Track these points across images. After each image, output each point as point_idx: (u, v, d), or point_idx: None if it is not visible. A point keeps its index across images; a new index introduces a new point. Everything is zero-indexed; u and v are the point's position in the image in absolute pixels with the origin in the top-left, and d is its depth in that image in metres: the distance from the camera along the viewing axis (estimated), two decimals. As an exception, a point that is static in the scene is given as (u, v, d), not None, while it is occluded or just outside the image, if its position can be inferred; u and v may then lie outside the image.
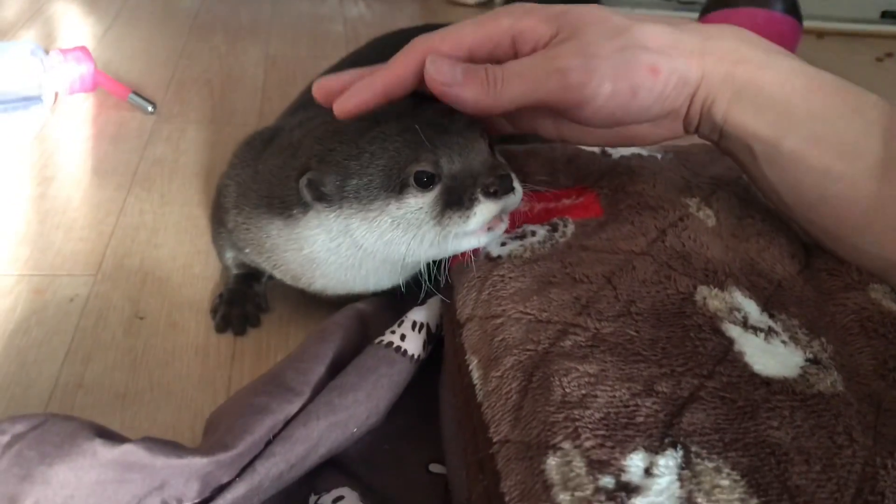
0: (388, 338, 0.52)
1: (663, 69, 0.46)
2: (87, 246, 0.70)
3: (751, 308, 0.46)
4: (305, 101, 0.72)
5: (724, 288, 0.46)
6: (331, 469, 0.48)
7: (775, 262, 0.51)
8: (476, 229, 0.49)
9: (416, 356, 0.52)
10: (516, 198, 0.49)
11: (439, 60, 0.48)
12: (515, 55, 0.49)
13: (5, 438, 0.39)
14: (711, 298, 0.45)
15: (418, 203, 0.48)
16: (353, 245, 0.52)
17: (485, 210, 0.48)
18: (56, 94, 0.93)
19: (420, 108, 0.51)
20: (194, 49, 1.17)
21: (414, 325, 0.54)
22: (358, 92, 0.50)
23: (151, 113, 0.94)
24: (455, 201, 0.48)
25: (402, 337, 0.53)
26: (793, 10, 1.19)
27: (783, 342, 0.44)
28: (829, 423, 0.38)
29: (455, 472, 0.46)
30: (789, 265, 0.51)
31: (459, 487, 0.44)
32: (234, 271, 0.65)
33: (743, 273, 0.49)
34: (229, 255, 0.65)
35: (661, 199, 0.55)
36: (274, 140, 0.61)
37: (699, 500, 0.33)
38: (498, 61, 0.49)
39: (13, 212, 0.74)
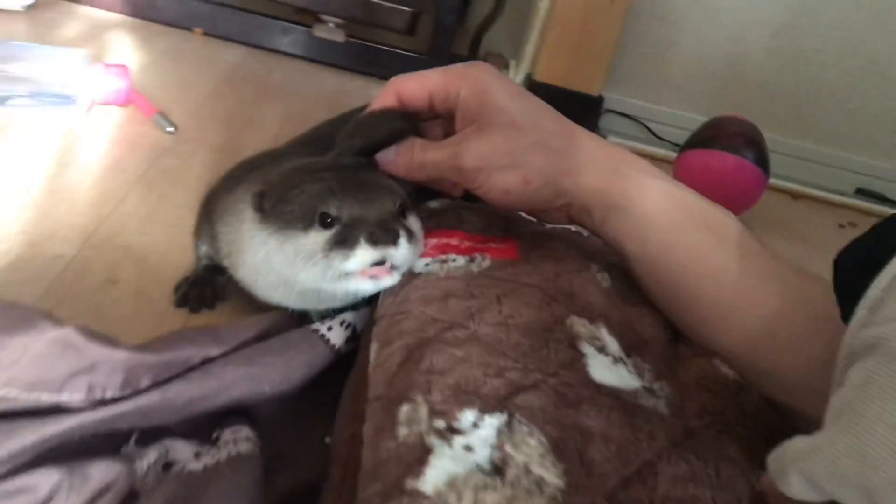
0: (317, 326, 0.61)
1: (534, 182, 0.59)
2: (83, 220, 0.80)
3: (611, 343, 0.54)
4: (308, 140, 0.84)
5: (593, 322, 0.55)
6: (239, 416, 0.56)
7: (650, 325, 0.60)
8: (355, 269, 0.56)
9: (336, 346, 0.60)
10: (399, 252, 0.56)
11: (383, 155, 0.63)
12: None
13: (-25, 313, 0.48)
14: (579, 326, 0.54)
15: (317, 238, 0.56)
16: (268, 259, 0.60)
17: (363, 254, 0.55)
18: (92, 101, 1.05)
19: (360, 166, 0.62)
20: (224, 93, 1.30)
21: (342, 322, 0.62)
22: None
23: (171, 133, 1.06)
24: (343, 242, 0.56)
25: (329, 328, 0.61)
26: (762, 162, 1.30)
27: (629, 371, 0.52)
28: (637, 424, 0.46)
29: (336, 435, 0.54)
30: (661, 332, 0.60)
31: (336, 445, 0.52)
32: (204, 262, 0.74)
33: (616, 322, 0.58)
34: (203, 248, 0.74)
35: (568, 255, 0.64)
36: (269, 163, 0.72)
37: (507, 448, 0.41)
38: (448, 107, 0.62)
39: (30, 183, 0.84)
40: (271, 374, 0.56)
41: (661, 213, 0.59)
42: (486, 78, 0.60)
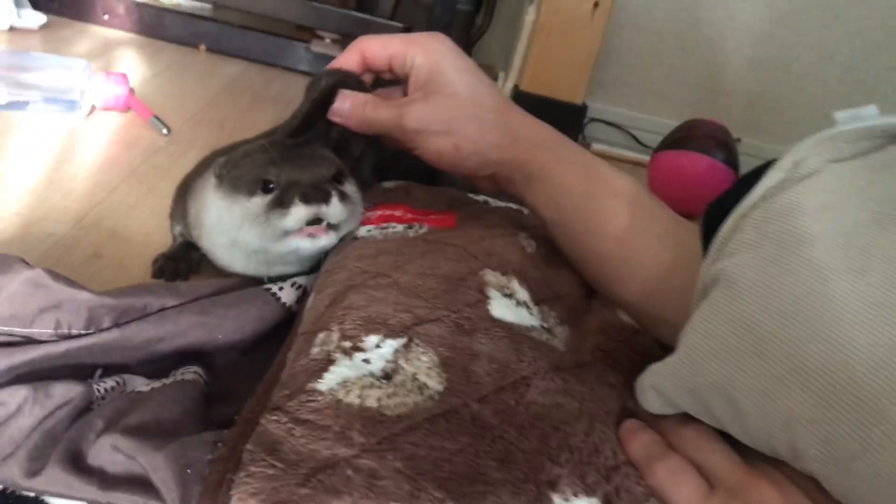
0: (269, 286, 0.68)
1: (464, 149, 0.67)
2: (76, 206, 0.88)
3: (520, 292, 0.61)
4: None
5: (505, 274, 0.62)
6: (194, 362, 0.63)
7: (566, 284, 0.67)
8: (293, 227, 0.63)
9: (286, 304, 0.67)
10: (330, 209, 0.63)
11: (341, 95, 0.70)
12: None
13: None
14: (490, 276, 0.61)
15: (258, 201, 0.64)
16: (220, 221, 0.68)
17: (297, 211, 0.62)
18: (93, 106, 1.14)
19: (304, 142, 0.70)
20: (221, 102, 1.39)
21: (294, 283, 0.70)
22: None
23: (165, 135, 1.14)
24: (281, 202, 0.63)
25: (281, 288, 0.69)
26: (732, 163, 1.37)
27: (529, 313, 0.59)
28: (523, 350, 0.52)
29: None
30: (576, 289, 0.67)
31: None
32: (179, 240, 0.82)
33: (532, 279, 0.64)
34: (178, 228, 0.82)
35: (499, 224, 0.71)
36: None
37: (400, 361, 0.48)
38: (405, 71, 0.70)
39: (31, 172, 0.93)
40: (224, 324, 0.63)
41: (572, 182, 0.65)
42: (442, 50, 0.68)
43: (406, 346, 0.50)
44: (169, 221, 0.85)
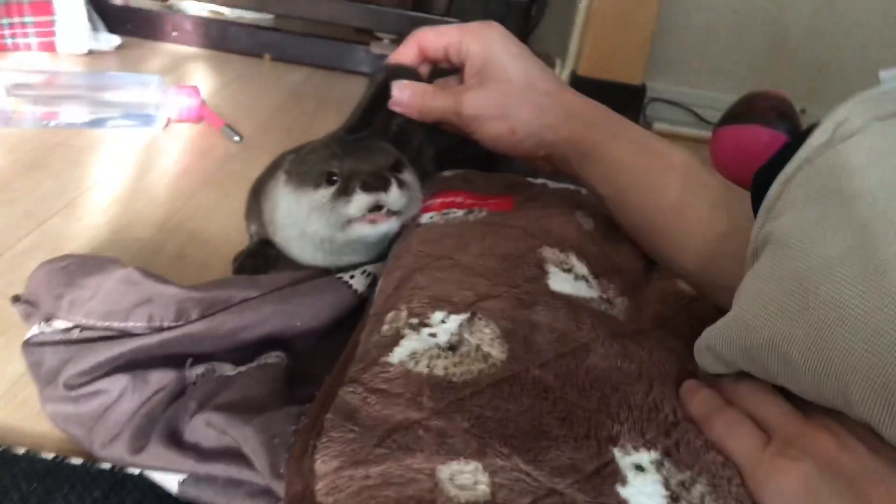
0: (341, 275, 0.72)
1: (519, 132, 0.69)
2: (159, 212, 0.94)
3: (579, 267, 0.63)
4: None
5: (563, 251, 0.64)
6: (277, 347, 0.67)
7: (626, 258, 0.69)
8: (355, 214, 0.67)
9: (358, 290, 0.71)
10: (390, 196, 0.67)
11: (399, 85, 0.73)
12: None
13: (63, 263, 0.62)
14: (549, 252, 0.63)
15: (323, 192, 0.69)
16: (290, 214, 0.73)
17: (359, 199, 0.67)
18: (169, 119, 1.20)
19: (365, 137, 0.74)
20: (288, 108, 1.45)
21: (364, 271, 0.73)
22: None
23: (237, 142, 1.20)
24: (343, 192, 0.68)
25: (352, 276, 0.72)
26: (794, 133, 1.36)
27: (589, 286, 0.61)
28: (580, 318, 0.55)
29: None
30: (636, 263, 0.69)
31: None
32: (255, 238, 0.87)
33: (591, 255, 0.67)
34: (253, 227, 0.87)
35: (555, 205, 0.74)
36: None
37: (464, 334, 0.51)
38: (461, 59, 0.73)
39: (117, 185, 0.99)
40: (302, 311, 0.67)
41: (626, 158, 0.68)
42: (495, 37, 0.71)
43: (469, 320, 0.53)
44: (245, 222, 0.90)
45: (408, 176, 0.73)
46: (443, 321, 0.53)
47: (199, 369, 0.60)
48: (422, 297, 0.56)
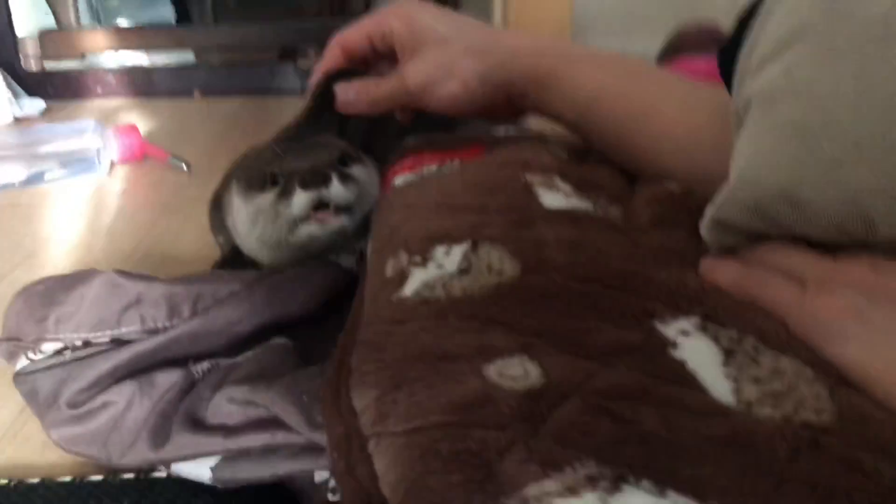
0: (327, 257, 0.70)
1: (472, 83, 0.68)
2: (123, 245, 0.92)
3: (565, 187, 0.62)
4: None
5: (545, 174, 0.63)
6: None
7: (607, 177, 0.68)
8: (299, 213, 0.64)
9: (348, 268, 0.69)
10: (332, 191, 0.64)
11: (342, 86, 0.72)
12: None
13: (40, 287, 0.59)
14: (532, 177, 0.62)
15: (267, 196, 0.66)
16: (242, 220, 0.70)
17: (299, 197, 0.63)
18: (112, 161, 1.17)
19: (309, 135, 0.72)
20: (229, 135, 1.42)
21: (353, 249, 0.71)
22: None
23: (186, 171, 1.17)
24: (285, 192, 0.65)
25: (337, 255, 0.71)
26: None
27: (581, 199, 0.60)
28: (583, 227, 0.53)
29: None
30: (618, 180, 0.68)
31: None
32: (226, 247, 0.84)
33: (573, 176, 0.65)
34: (220, 238, 0.84)
35: (525, 144, 0.72)
36: None
37: (472, 259, 0.50)
38: (388, 44, 0.71)
39: (75, 231, 0.96)
40: (297, 295, 0.64)
41: (584, 78, 0.67)
42: (412, 8, 0.70)
43: (472, 248, 0.51)
44: (213, 236, 0.87)
45: (356, 170, 0.69)
46: (446, 254, 0.51)
47: (204, 365, 0.57)
48: (417, 238, 0.54)
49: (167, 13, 2.37)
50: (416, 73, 0.69)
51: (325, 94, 0.73)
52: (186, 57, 1.86)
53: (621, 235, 0.53)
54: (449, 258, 0.51)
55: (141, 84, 1.70)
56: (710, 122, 0.62)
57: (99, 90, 1.69)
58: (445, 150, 0.75)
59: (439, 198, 0.61)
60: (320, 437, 0.41)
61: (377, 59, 0.75)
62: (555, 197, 0.59)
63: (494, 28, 0.71)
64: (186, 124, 1.51)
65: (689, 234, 0.55)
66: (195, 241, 0.92)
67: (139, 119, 1.54)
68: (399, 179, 0.71)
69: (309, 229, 0.66)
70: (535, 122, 0.79)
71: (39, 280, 0.61)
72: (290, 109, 1.61)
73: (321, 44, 1.71)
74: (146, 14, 2.21)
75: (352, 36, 0.73)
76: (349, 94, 0.72)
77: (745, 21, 0.52)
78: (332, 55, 0.73)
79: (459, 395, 0.36)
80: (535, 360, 0.38)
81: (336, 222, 0.66)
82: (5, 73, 1.51)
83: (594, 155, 0.72)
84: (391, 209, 0.64)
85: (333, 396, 0.41)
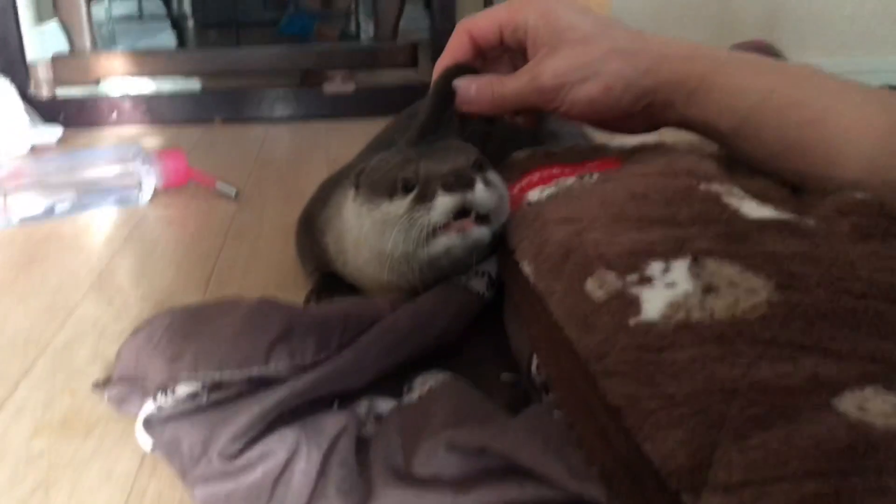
0: (456, 280, 0.63)
1: (615, 87, 0.62)
2: (194, 273, 0.83)
3: (747, 196, 0.56)
4: (379, 143, 0.87)
5: (722, 183, 0.57)
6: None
7: (770, 188, 0.61)
8: (440, 221, 0.57)
9: (479, 293, 0.62)
10: (477, 195, 0.57)
11: (463, 83, 0.66)
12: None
13: (164, 322, 0.51)
14: (713, 188, 0.55)
15: (401, 202, 0.59)
16: (361, 231, 0.63)
17: (442, 202, 0.56)
18: (155, 188, 1.09)
19: (435, 140, 0.66)
20: (265, 160, 1.35)
21: (477, 271, 0.64)
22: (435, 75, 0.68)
23: (235, 198, 1.09)
24: (423, 197, 0.57)
25: (468, 279, 0.63)
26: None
27: (775, 209, 0.53)
28: (810, 237, 0.47)
29: (520, 354, 0.55)
30: (779, 189, 0.62)
31: (521, 357, 0.54)
32: (317, 274, 0.76)
33: (740, 185, 0.59)
34: (310, 266, 0.77)
35: (668, 152, 0.66)
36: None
37: (707, 278, 0.43)
38: (518, 37, 0.65)
39: (133, 261, 0.88)
40: (436, 322, 0.57)
41: (745, 82, 0.61)
42: (551, 2, 0.64)
43: (695, 262, 0.45)
44: (301, 262, 0.80)
45: (493, 176, 0.63)
46: (664, 270, 0.44)
47: (363, 407, 0.50)
48: (615, 254, 0.47)
49: (168, 40, 2.30)
50: (552, 70, 0.62)
51: (444, 88, 0.66)
52: (194, 83, 1.77)
53: (850, 246, 0.47)
54: (672, 275, 0.44)
55: (159, 111, 1.62)
56: (893, 127, 0.57)
57: (114, 116, 1.61)
58: (574, 163, 0.69)
59: (609, 210, 0.54)
60: (588, 489, 0.34)
61: (500, 54, 0.69)
62: (752, 207, 0.52)
63: (637, 29, 0.65)
64: (214, 150, 1.43)
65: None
66: (268, 268, 0.84)
67: (163, 144, 1.46)
68: (533, 194, 0.64)
69: (448, 240, 0.58)
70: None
71: (157, 316, 0.53)
72: (322, 134, 1.55)
73: (349, 68, 1.65)
74: (146, 42, 2.14)
75: (481, 23, 0.66)
76: (470, 90, 0.66)
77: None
78: (458, 42, 0.67)
79: (826, 438, 0.29)
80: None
81: (477, 232, 0.59)
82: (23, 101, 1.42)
83: (741, 166, 0.66)
84: (542, 224, 0.58)
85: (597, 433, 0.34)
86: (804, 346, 0.35)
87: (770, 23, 1.75)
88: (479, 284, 0.63)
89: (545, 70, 0.63)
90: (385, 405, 0.52)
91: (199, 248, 0.91)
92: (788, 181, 0.63)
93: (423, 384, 0.51)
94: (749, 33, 1.72)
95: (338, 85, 1.66)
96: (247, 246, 0.91)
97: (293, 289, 0.77)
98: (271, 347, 0.48)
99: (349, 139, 1.43)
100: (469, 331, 0.62)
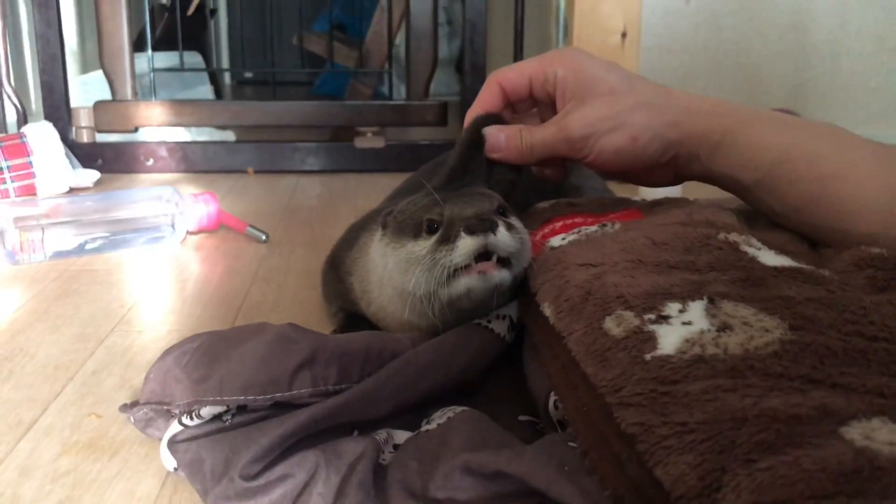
0: (478, 321, 0.64)
1: (642, 138, 0.64)
2: (220, 312, 0.85)
3: (764, 247, 0.57)
4: (407, 189, 0.89)
5: (740, 234, 0.58)
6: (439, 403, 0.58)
7: (787, 242, 0.63)
8: (462, 262, 0.58)
9: (500, 335, 0.63)
10: (499, 239, 0.58)
11: (492, 130, 0.68)
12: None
13: (193, 344, 0.52)
14: (732, 237, 0.57)
15: (425, 243, 0.60)
16: (386, 270, 0.64)
17: (464, 244, 0.57)
18: (187, 230, 1.12)
19: (463, 186, 0.68)
20: (295, 208, 1.38)
21: (499, 315, 0.65)
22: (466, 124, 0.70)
23: (265, 241, 1.12)
24: (446, 239, 0.59)
25: (489, 321, 0.64)
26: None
27: (793, 260, 0.55)
28: (825, 284, 0.48)
29: (538, 394, 0.56)
30: (798, 244, 0.63)
31: (539, 396, 0.54)
32: (342, 314, 0.78)
33: (762, 240, 0.60)
34: (335, 306, 0.79)
35: (689, 205, 0.68)
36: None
37: (722, 317, 0.44)
38: (547, 90, 0.67)
39: (162, 297, 0.90)
40: (456, 359, 0.58)
41: (766, 138, 0.63)
42: (579, 56, 0.66)
43: (711, 302, 0.46)
44: (326, 302, 0.81)
45: (516, 221, 0.64)
46: (681, 310, 0.46)
47: (381, 435, 0.51)
48: (634, 295, 0.48)
49: (206, 93, 2.37)
50: (581, 121, 0.65)
51: (475, 135, 0.68)
52: (228, 134, 1.82)
53: (863, 295, 0.48)
54: (689, 314, 0.45)
55: (194, 159, 1.67)
56: None
57: (149, 163, 1.65)
58: (596, 213, 0.70)
59: (629, 256, 0.56)
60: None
61: (529, 106, 0.72)
62: (769, 256, 0.53)
63: (664, 86, 0.67)
64: (246, 198, 1.47)
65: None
66: (293, 309, 0.86)
67: (197, 190, 1.50)
68: (555, 240, 0.66)
69: (468, 281, 0.59)
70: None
71: (189, 339, 0.55)
72: (350, 183, 1.58)
73: (379, 125, 1.70)
74: (185, 95, 2.20)
75: (512, 75, 0.69)
76: (500, 138, 0.68)
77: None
78: (489, 92, 0.70)
79: (833, 462, 0.29)
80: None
81: (498, 276, 0.60)
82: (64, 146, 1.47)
83: (762, 220, 0.67)
84: (564, 268, 0.59)
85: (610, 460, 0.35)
86: (814, 380, 0.36)
87: (795, 92, 1.77)
88: (500, 327, 0.64)
89: (573, 120, 0.65)
90: (403, 436, 0.53)
91: (227, 287, 0.94)
92: (808, 236, 0.64)
93: (442, 416, 0.52)
94: (775, 102, 1.75)
95: (369, 140, 1.70)
96: (274, 288, 0.93)
97: (317, 328, 0.78)
98: (295, 373, 0.50)
99: (378, 190, 1.47)
100: (488, 372, 0.63)
